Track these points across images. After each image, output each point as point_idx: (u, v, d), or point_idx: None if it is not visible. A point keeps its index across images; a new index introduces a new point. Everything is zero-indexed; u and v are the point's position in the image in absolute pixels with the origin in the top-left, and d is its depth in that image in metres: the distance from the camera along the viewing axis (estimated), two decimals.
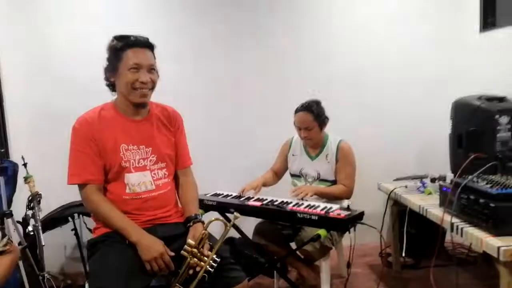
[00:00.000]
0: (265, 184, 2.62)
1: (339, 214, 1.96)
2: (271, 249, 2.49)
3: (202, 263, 1.63)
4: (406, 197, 2.45)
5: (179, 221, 1.81)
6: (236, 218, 1.67)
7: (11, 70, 3.03)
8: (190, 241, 1.66)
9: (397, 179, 3.18)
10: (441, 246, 3.11)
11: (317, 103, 2.53)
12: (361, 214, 2.04)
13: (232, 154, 3.31)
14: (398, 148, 3.47)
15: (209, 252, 1.65)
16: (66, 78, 3.05)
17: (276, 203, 2.19)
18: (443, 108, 2.68)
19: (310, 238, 1.98)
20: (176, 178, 1.89)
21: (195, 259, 1.64)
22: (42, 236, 2.30)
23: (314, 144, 2.58)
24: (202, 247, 1.65)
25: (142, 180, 1.73)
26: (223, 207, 2.33)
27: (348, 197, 2.53)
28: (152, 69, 1.71)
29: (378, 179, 2.90)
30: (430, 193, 2.46)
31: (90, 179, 1.66)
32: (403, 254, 2.57)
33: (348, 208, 2.08)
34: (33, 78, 3.05)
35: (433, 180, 2.57)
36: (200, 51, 3.24)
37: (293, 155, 2.69)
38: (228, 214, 2.25)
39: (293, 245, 2.51)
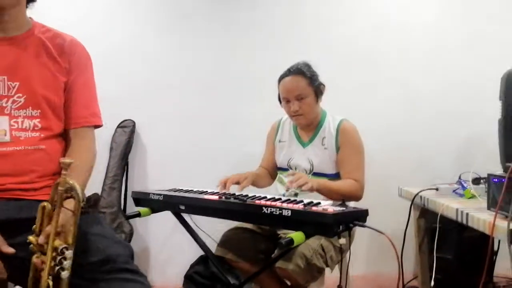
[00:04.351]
0: (256, 182, 1.89)
1: (325, 210, 1.24)
2: (241, 267, 1.77)
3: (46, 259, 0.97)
4: (436, 200, 1.70)
5: None
6: (67, 164, 0.98)
7: None
8: (34, 226, 1.02)
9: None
10: (489, 281, 2.27)
11: (308, 65, 1.85)
12: (363, 213, 1.30)
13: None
14: (427, 146, 2.70)
15: (45, 239, 0.99)
16: None
17: (239, 195, 1.49)
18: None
19: (281, 245, 1.24)
20: (67, 142, 1.25)
21: (41, 254, 0.99)
22: None
23: (308, 124, 1.89)
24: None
25: None
26: (171, 204, 1.66)
27: (359, 197, 1.80)
28: None
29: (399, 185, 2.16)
30: (472, 196, 1.70)
31: None
32: (432, 284, 1.76)
33: (343, 204, 1.36)
34: None
35: (476, 181, 1.81)
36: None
37: (280, 141, 1.99)
38: None
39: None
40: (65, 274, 0.95)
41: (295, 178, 1.60)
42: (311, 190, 1.59)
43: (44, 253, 0.97)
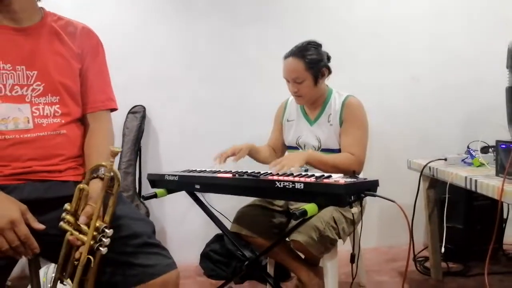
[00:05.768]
0: (254, 154, 1.92)
1: (336, 181, 1.28)
2: (256, 243, 1.83)
3: (84, 237, 1.03)
4: (445, 170, 1.73)
5: (78, 180, 1.21)
6: (115, 153, 1.04)
7: None
8: (66, 205, 1.07)
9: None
10: (499, 248, 2.32)
11: (315, 47, 1.85)
12: (374, 183, 1.35)
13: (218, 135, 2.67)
14: (434, 119, 2.73)
15: (88, 219, 1.05)
16: None
17: (252, 172, 1.54)
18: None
19: (295, 216, 1.29)
20: (85, 126, 1.31)
21: (77, 232, 1.05)
22: None
23: (312, 102, 1.91)
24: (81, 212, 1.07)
25: (12, 114, 1.15)
26: (186, 183, 1.71)
27: (355, 172, 1.81)
28: None
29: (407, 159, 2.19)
30: (481, 165, 1.73)
31: None
32: (442, 251, 1.77)
33: (354, 176, 1.40)
34: None
35: (485, 150, 1.84)
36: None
37: (288, 120, 2.02)
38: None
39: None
40: (104, 251, 1.01)
41: (276, 165, 1.59)
42: (300, 166, 1.62)
43: (79, 231, 1.04)
